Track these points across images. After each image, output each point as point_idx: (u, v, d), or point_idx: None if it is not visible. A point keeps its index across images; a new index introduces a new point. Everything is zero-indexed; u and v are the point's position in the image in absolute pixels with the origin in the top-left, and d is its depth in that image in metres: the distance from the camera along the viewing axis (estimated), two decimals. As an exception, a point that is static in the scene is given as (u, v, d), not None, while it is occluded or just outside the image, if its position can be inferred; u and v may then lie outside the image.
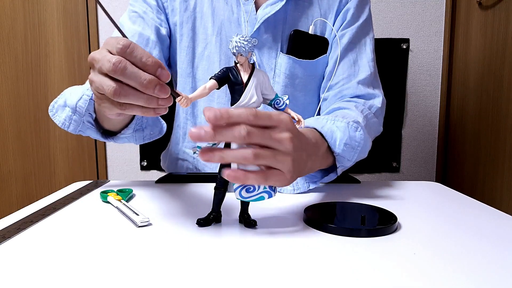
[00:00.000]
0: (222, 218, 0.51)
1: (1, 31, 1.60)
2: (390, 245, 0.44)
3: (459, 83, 1.52)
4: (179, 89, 0.83)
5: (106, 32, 1.59)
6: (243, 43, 0.46)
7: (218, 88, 0.47)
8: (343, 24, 0.80)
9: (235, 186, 0.45)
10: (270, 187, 0.46)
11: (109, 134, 0.68)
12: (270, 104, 0.50)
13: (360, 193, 0.65)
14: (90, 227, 0.49)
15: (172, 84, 0.45)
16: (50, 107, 0.65)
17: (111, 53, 0.42)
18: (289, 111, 0.50)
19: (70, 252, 0.41)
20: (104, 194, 0.59)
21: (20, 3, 1.59)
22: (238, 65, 0.47)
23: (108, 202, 0.59)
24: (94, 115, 0.62)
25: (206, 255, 0.40)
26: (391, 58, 1.58)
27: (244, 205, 0.50)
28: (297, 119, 0.51)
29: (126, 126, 0.65)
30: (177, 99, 0.44)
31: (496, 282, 0.35)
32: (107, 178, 1.71)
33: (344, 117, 0.65)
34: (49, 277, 0.35)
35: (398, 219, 0.50)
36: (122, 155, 1.67)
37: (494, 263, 0.39)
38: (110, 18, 0.42)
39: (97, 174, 1.70)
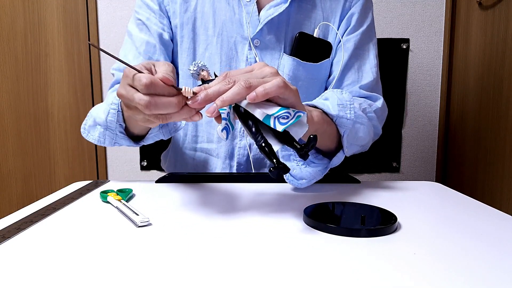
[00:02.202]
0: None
1: (1, 31, 1.60)
2: (390, 245, 0.44)
3: (459, 83, 1.52)
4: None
5: (106, 32, 1.59)
6: (194, 69, 0.56)
7: None
8: (348, 29, 0.80)
9: (270, 124, 0.45)
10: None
11: (138, 138, 0.70)
12: None
13: (360, 193, 0.65)
14: (90, 227, 0.49)
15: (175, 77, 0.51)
16: (81, 130, 0.69)
17: (135, 88, 0.47)
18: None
19: (70, 252, 0.41)
20: (104, 194, 0.60)
21: (20, 3, 1.59)
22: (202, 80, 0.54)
23: (108, 202, 0.59)
24: (124, 125, 0.65)
25: (206, 255, 0.40)
26: (391, 58, 1.58)
27: (271, 152, 0.45)
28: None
29: None
30: (182, 91, 0.47)
31: (496, 282, 0.35)
32: (107, 178, 1.71)
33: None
34: (49, 277, 0.35)
35: (398, 219, 0.50)
36: (122, 155, 1.67)
37: (494, 263, 0.39)
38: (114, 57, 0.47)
39: (97, 174, 1.70)
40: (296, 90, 0.51)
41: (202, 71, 0.56)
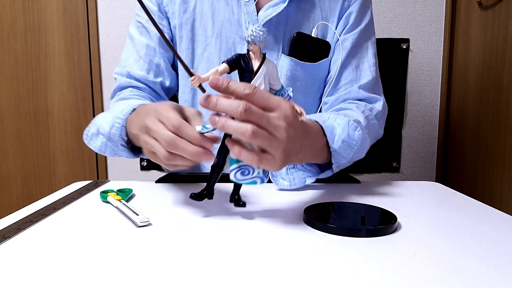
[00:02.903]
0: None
1: (1, 31, 1.60)
2: (390, 245, 0.44)
3: (459, 83, 1.52)
4: (180, 90, 0.83)
5: (106, 32, 1.59)
6: (258, 33, 0.48)
7: (229, 73, 0.49)
8: (346, 28, 0.80)
9: (231, 168, 0.48)
10: (264, 172, 0.49)
11: (139, 149, 0.70)
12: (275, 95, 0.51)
13: (360, 193, 0.65)
14: (90, 227, 0.49)
15: (185, 64, 0.49)
16: (84, 136, 0.69)
17: (163, 123, 0.49)
18: (292, 103, 0.51)
19: (70, 252, 0.41)
20: (104, 194, 0.60)
21: (20, 3, 1.59)
22: (250, 53, 0.49)
23: (108, 202, 0.59)
24: (126, 138, 0.65)
25: (206, 255, 0.40)
26: (391, 58, 1.58)
27: (237, 186, 0.55)
28: (299, 112, 0.52)
29: None
30: (190, 79, 0.48)
31: (496, 282, 0.35)
32: (107, 178, 1.71)
33: (346, 116, 0.66)
34: (49, 277, 0.35)
35: (398, 219, 0.50)
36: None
37: (494, 263, 0.39)
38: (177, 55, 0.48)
39: (97, 174, 1.70)
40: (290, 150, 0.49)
41: (254, 44, 0.49)
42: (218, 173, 0.52)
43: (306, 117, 0.54)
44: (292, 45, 0.78)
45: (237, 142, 0.45)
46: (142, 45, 0.79)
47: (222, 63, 0.48)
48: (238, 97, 0.45)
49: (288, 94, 0.52)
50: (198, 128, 0.48)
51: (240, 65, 0.48)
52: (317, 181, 0.70)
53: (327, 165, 0.66)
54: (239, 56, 0.49)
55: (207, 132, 0.48)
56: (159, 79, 0.80)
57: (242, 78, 0.49)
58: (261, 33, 0.48)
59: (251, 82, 0.48)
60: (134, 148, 0.69)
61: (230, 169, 0.48)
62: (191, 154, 0.47)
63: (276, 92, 0.51)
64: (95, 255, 0.40)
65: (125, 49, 0.82)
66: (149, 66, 0.79)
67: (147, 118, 0.51)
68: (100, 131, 0.66)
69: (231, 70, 0.48)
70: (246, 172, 0.48)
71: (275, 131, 0.45)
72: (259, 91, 0.45)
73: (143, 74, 0.78)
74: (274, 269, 0.37)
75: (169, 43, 0.48)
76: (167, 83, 0.81)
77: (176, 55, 0.49)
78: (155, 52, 0.79)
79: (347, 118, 0.65)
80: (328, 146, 0.62)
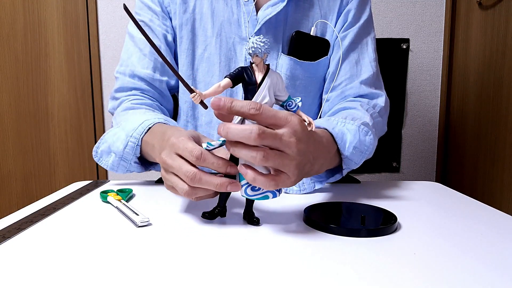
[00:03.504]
0: (223, 218, 0.51)
1: (1, 31, 1.60)
2: (390, 245, 0.44)
3: (459, 83, 1.52)
4: (180, 91, 0.83)
5: (106, 32, 1.59)
6: (259, 44, 0.46)
7: (232, 87, 0.47)
8: (345, 25, 0.80)
9: (241, 183, 0.46)
10: None
11: (149, 163, 0.69)
12: (282, 106, 0.50)
13: (360, 193, 0.65)
14: (90, 227, 0.49)
15: (184, 81, 0.47)
16: (93, 153, 0.68)
17: (183, 158, 0.47)
18: (300, 113, 0.50)
19: (70, 252, 0.41)
20: (104, 194, 0.60)
21: (20, 3, 1.59)
22: (253, 65, 0.47)
23: (108, 202, 0.59)
24: (139, 155, 0.64)
25: (206, 255, 0.40)
26: (391, 58, 1.58)
27: (249, 202, 0.51)
28: (307, 122, 0.50)
29: None
30: (191, 95, 0.46)
31: (496, 282, 0.35)
32: (107, 178, 1.71)
33: (354, 119, 0.65)
34: (49, 277, 0.35)
35: (398, 219, 0.50)
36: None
37: (494, 263, 0.39)
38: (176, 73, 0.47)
39: (97, 174, 1.70)
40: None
41: (256, 56, 0.48)
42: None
43: (315, 124, 0.52)
44: (291, 44, 0.78)
45: (250, 166, 0.45)
46: (145, 44, 0.78)
47: (224, 77, 0.47)
48: (244, 117, 0.44)
49: (296, 104, 0.50)
50: (204, 145, 0.47)
51: (244, 78, 0.47)
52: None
53: (336, 169, 0.65)
54: (242, 70, 0.47)
55: (213, 149, 0.47)
56: (165, 78, 0.79)
57: (247, 91, 0.48)
58: (262, 44, 0.46)
59: (255, 95, 0.46)
60: (146, 162, 0.69)
61: (242, 185, 0.47)
62: (217, 186, 0.46)
63: (283, 103, 0.49)
64: (95, 255, 0.40)
65: (125, 48, 0.81)
66: (155, 64, 0.78)
67: (164, 153, 0.50)
68: (112, 149, 0.65)
69: (234, 84, 0.47)
70: (257, 188, 0.46)
71: (286, 148, 0.44)
72: (265, 109, 0.43)
73: (149, 72, 0.77)
74: (274, 269, 0.37)
75: (166, 60, 0.48)
76: (172, 82, 0.80)
77: (175, 73, 0.48)
78: (160, 50, 0.78)
79: (356, 122, 0.64)
80: (339, 153, 0.61)
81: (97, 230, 0.48)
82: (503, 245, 0.43)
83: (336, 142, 0.60)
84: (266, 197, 0.47)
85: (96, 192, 0.66)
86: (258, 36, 0.47)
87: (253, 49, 0.46)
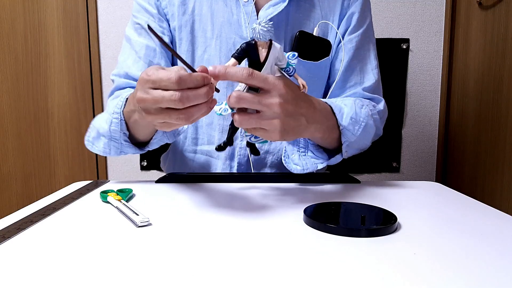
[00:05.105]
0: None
1: (1, 31, 1.60)
2: (390, 245, 0.44)
3: (459, 83, 1.52)
4: None
5: (106, 32, 1.59)
6: (263, 30, 0.51)
7: (239, 64, 0.52)
8: (349, 30, 0.80)
9: (247, 134, 0.56)
10: None
11: (143, 145, 0.70)
12: (281, 71, 0.56)
13: (360, 193, 0.65)
14: (90, 227, 0.49)
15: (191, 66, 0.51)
16: (85, 142, 0.69)
17: (157, 89, 0.48)
18: (297, 76, 0.57)
19: (70, 252, 0.41)
20: (104, 194, 0.60)
21: (20, 3, 1.59)
22: (257, 43, 0.52)
23: (108, 202, 0.59)
24: (128, 133, 0.65)
25: (206, 255, 0.40)
26: (391, 58, 1.58)
27: (232, 134, 0.58)
28: (301, 85, 0.57)
29: (156, 131, 0.68)
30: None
31: (496, 283, 0.35)
32: (107, 178, 1.71)
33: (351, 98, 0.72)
34: (49, 277, 0.35)
35: (398, 219, 0.50)
36: (122, 155, 1.67)
37: (494, 263, 0.39)
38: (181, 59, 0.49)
39: (97, 174, 1.70)
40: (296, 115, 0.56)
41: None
42: (234, 129, 0.57)
43: (307, 89, 0.58)
44: (294, 43, 0.78)
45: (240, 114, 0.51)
46: (141, 46, 0.78)
47: (231, 56, 0.51)
48: (238, 81, 0.50)
49: (294, 69, 0.56)
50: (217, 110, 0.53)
51: (248, 54, 0.52)
52: (319, 179, 0.70)
53: (337, 151, 0.69)
54: (247, 47, 0.51)
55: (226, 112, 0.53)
56: None
57: (251, 66, 0.52)
58: (265, 29, 0.50)
59: (261, 71, 0.51)
60: (139, 143, 0.69)
61: (246, 135, 0.57)
62: (206, 93, 0.47)
63: (283, 69, 0.55)
64: (95, 255, 0.40)
65: (122, 51, 0.81)
66: (149, 66, 0.78)
67: (138, 93, 0.50)
68: (100, 132, 0.66)
69: (239, 61, 0.52)
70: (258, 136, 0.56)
71: (267, 109, 0.51)
72: (256, 74, 0.50)
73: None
74: (274, 269, 0.37)
75: (190, 66, 0.50)
76: None
77: (182, 61, 0.49)
78: (155, 53, 0.78)
79: (352, 99, 0.71)
80: (338, 127, 0.66)
81: (97, 230, 0.48)
82: (503, 245, 0.43)
83: (334, 114, 0.65)
84: (266, 141, 0.57)
85: (96, 192, 0.66)
86: (265, 21, 0.51)
87: (258, 36, 0.51)
